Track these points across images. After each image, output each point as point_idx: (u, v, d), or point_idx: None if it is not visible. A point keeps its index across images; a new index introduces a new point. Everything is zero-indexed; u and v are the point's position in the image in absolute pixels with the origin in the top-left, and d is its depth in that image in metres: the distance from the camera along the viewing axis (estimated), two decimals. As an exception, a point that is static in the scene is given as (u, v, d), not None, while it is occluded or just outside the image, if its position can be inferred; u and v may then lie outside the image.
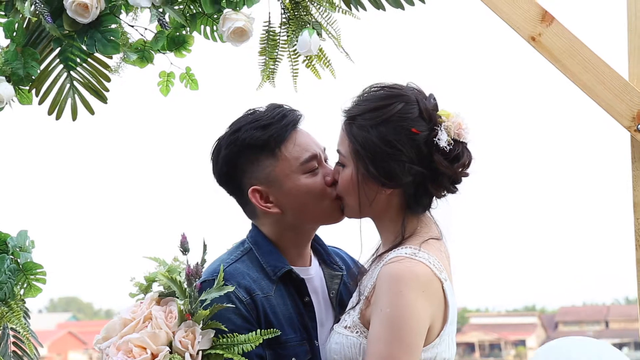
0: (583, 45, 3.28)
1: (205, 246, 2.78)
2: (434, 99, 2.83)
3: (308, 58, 3.48)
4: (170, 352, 2.68)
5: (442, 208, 2.86)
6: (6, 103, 3.27)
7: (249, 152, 2.90)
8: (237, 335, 2.71)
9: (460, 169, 2.78)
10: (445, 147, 2.74)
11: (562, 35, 3.28)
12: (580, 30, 3.34)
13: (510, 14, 3.30)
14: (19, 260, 3.30)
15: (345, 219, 2.94)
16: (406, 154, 2.73)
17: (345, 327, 2.78)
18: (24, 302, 3.38)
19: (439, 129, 2.75)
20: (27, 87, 3.38)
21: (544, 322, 78.43)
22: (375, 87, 2.84)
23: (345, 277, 3.05)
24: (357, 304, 2.80)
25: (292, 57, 3.47)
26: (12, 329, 3.41)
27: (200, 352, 2.70)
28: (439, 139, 2.73)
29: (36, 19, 3.32)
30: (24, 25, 3.33)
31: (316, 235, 3.08)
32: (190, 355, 2.68)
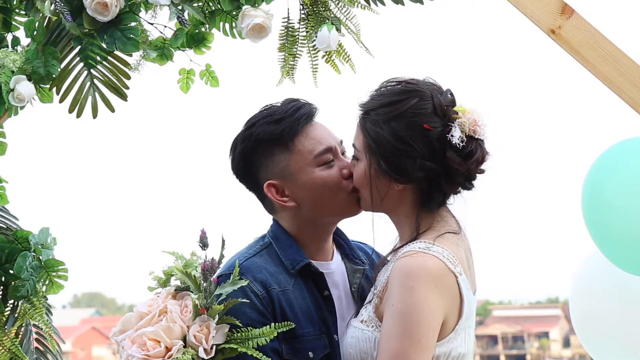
0: (603, 37, 3.26)
1: (223, 242, 2.78)
2: (451, 94, 2.80)
3: (327, 53, 3.48)
4: (184, 346, 2.69)
5: (459, 201, 2.84)
6: (27, 101, 3.28)
7: (264, 146, 2.91)
8: (251, 330, 2.71)
9: (473, 166, 2.75)
10: (458, 143, 2.71)
11: (582, 27, 3.27)
12: (601, 22, 3.32)
13: (529, 7, 3.28)
14: (40, 258, 3.32)
15: (363, 214, 2.94)
16: (418, 150, 2.71)
17: (362, 322, 2.77)
18: (46, 299, 3.41)
19: (453, 125, 2.73)
20: (48, 86, 3.40)
21: (568, 315, 77.96)
22: (392, 82, 2.83)
23: (367, 271, 3.04)
24: (372, 298, 2.80)
25: (312, 52, 3.47)
26: (34, 325, 3.44)
27: (215, 347, 2.70)
28: (452, 135, 2.71)
29: (56, 17, 3.34)
30: (44, 24, 3.35)
31: (339, 230, 3.07)
32: (204, 349, 2.68)
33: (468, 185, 2.80)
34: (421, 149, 2.72)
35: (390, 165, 2.74)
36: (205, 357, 2.68)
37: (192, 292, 2.77)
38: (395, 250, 2.79)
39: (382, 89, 2.82)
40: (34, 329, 3.45)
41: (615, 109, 3.28)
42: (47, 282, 3.35)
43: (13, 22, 3.41)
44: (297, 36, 3.47)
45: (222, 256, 2.78)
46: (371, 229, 2.90)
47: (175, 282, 2.86)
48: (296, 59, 3.48)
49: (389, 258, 2.82)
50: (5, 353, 3.30)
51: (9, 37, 3.41)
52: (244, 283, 2.74)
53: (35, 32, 3.31)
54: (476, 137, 2.76)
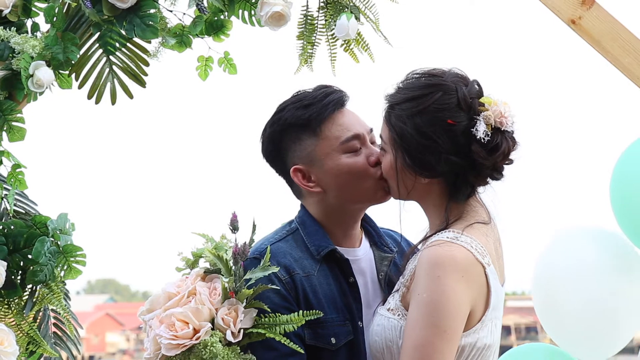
0: (624, 28, 3.25)
1: (254, 226, 2.82)
2: (478, 84, 2.78)
3: (346, 42, 3.47)
4: (212, 329, 2.72)
5: (489, 190, 2.83)
6: (46, 87, 3.29)
7: (292, 131, 2.93)
8: (279, 316, 2.73)
9: (500, 159, 2.73)
10: (483, 137, 2.69)
11: (602, 18, 3.26)
12: (622, 13, 3.31)
13: (550, -3, 3.27)
14: (59, 243, 3.33)
15: (392, 200, 2.93)
16: (442, 145, 2.70)
17: (388, 310, 2.77)
18: (64, 284, 3.42)
19: (478, 118, 2.71)
20: (67, 72, 3.41)
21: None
22: (416, 74, 2.81)
23: (396, 259, 3.05)
24: (400, 287, 2.80)
25: (330, 41, 3.46)
26: (52, 310, 3.45)
27: (242, 331, 2.73)
28: (476, 130, 2.69)
29: (76, 4, 3.35)
30: (64, 11, 3.35)
31: (368, 217, 3.09)
32: (232, 333, 2.71)
33: (496, 176, 2.78)
34: (446, 144, 2.70)
35: (414, 161, 2.74)
36: (233, 341, 2.71)
37: (222, 275, 2.80)
38: (425, 239, 2.79)
39: (407, 82, 2.81)
40: (51, 314, 3.47)
41: (636, 100, 3.27)
42: (65, 267, 3.36)
43: (33, 8, 3.40)
44: (315, 24, 3.46)
45: (252, 240, 2.82)
46: (400, 216, 2.90)
47: (204, 264, 2.88)
48: (315, 47, 3.47)
49: (418, 247, 2.82)
50: (24, 337, 3.32)
51: (29, 23, 3.41)
52: (275, 269, 2.76)
53: (54, 18, 3.31)
54: (503, 129, 2.73)
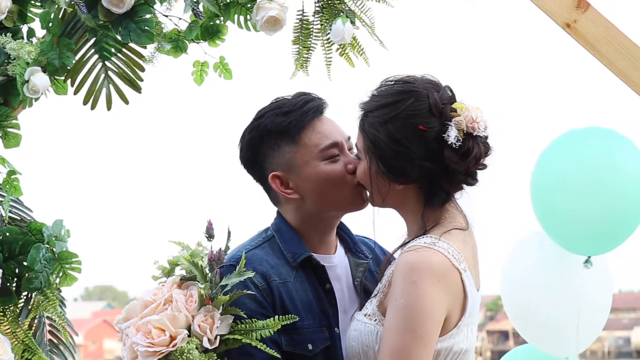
0: (619, 31, 3.24)
1: (229, 233, 2.81)
2: (450, 90, 2.79)
3: (342, 46, 3.47)
4: (189, 336, 2.71)
5: (465, 196, 2.83)
6: (42, 93, 3.29)
7: (270, 137, 2.93)
8: (255, 321, 2.73)
9: (472, 164, 2.73)
10: (454, 143, 2.69)
11: (597, 21, 3.25)
12: (617, 16, 3.31)
13: (544, 0, 3.27)
14: (54, 250, 3.33)
15: (367, 207, 2.94)
16: (415, 151, 2.71)
17: (365, 315, 2.78)
18: (60, 291, 3.42)
19: (449, 124, 2.71)
20: (63, 77, 3.40)
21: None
22: (389, 82, 2.81)
23: (372, 265, 3.05)
24: (377, 292, 2.81)
25: (326, 45, 3.46)
26: (47, 317, 3.45)
27: (219, 337, 2.72)
28: (448, 135, 2.69)
29: (71, 9, 3.35)
30: (60, 16, 3.36)
31: (343, 224, 3.09)
32: (209, 339, 2.70)
33: (470, 182, 2.79)
34: (418, 150, 2.71)
35: (388, 167, 2.74)
36: (209, 347, 2.70)
37: (198, 282, 2.79)
38: (403, 245, 2.79)
39: (380, 89, 2.81)
40: (47, 321, 3.46)
41: (631, 103, 3.27)
42: (60, 274, 3.35)
43: (28, 14, 3.41)
44: (311, 29, 3.46)
45: (227, 247, 2.80)
46: (376, 223, 2.91)
47: (180, 271, 2.88)
48: (310, 51, 3.47)
49: (396, 253, 2.81)
50: (19, 345, 3.31)
51: (25, 28, 3.41)
52: (250, 274, 2.77)
53: (50, 24, 3.32)
54: (475, 134, 2.73)
